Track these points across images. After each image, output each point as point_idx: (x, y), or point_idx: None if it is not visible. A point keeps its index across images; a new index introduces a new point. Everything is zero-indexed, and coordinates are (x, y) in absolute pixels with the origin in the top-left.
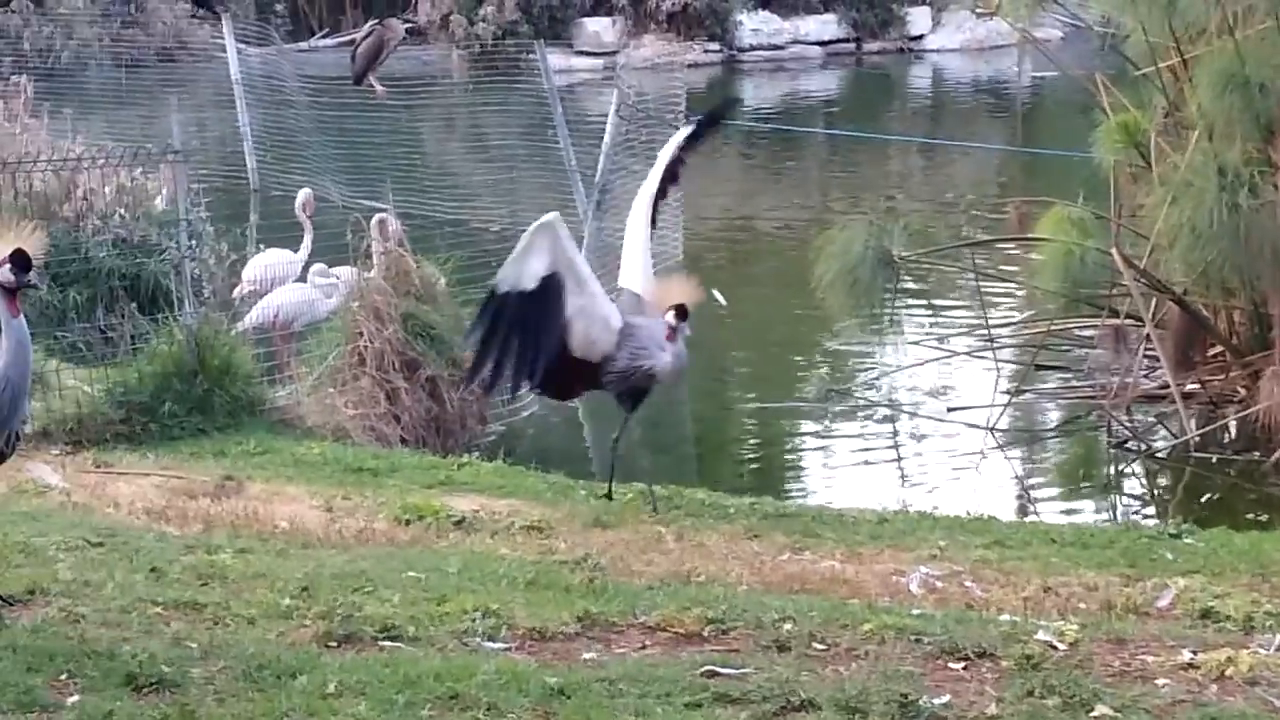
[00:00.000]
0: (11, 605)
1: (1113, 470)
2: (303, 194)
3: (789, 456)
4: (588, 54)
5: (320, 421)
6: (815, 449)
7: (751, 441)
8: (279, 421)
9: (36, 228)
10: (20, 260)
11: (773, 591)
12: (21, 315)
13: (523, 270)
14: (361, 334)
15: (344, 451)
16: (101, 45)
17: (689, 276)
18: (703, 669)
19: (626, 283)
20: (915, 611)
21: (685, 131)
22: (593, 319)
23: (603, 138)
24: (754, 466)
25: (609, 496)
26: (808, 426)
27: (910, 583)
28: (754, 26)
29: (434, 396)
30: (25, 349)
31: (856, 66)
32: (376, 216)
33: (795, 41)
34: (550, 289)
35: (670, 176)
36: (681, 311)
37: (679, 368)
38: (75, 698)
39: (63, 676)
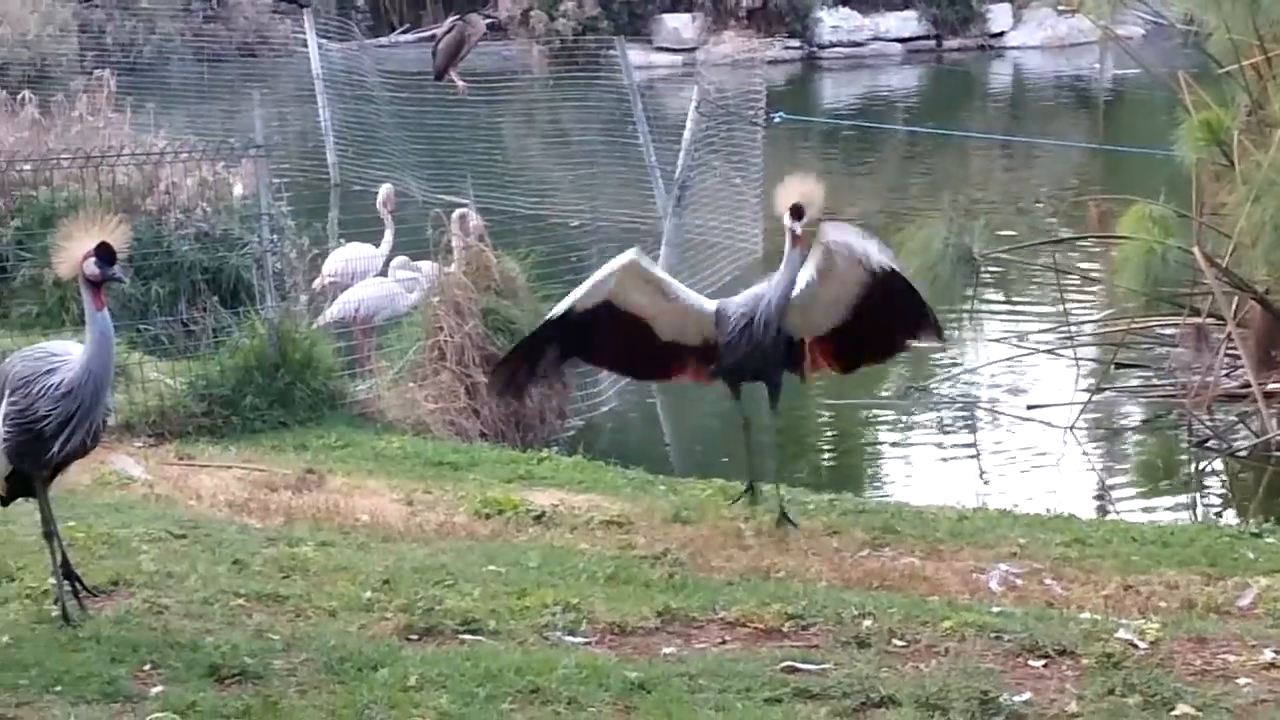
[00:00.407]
0: (95, 596)
1: (1193, 469)
2: (384, 189)
3: (867, 453)
4: (667, 50)
5: (400, 415)
6: (893, 446)
7: (830, 438)
8: (359, 415)
9: (121, 222)
10: (105, 254)
11: (852, 588)
12: (106, 309)
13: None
14: (442, 329)
15: (424, 445)
16: (183, 40)
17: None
18: (782, 664)
19: None
20: (995, 609)
21: None
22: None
23: (682, 134)
24: (832, 463)
25: (751, 493)
26: (886, 423)
27: (990, 580)
28: (834, 23)
29: None
30: (108, 342)
31: (936, 64)
32: (457, 211)
33: (875, 38)
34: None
35: None
36: (796, 211)
37: (785, 282)
38: (159, 688)
39: (146, 667)
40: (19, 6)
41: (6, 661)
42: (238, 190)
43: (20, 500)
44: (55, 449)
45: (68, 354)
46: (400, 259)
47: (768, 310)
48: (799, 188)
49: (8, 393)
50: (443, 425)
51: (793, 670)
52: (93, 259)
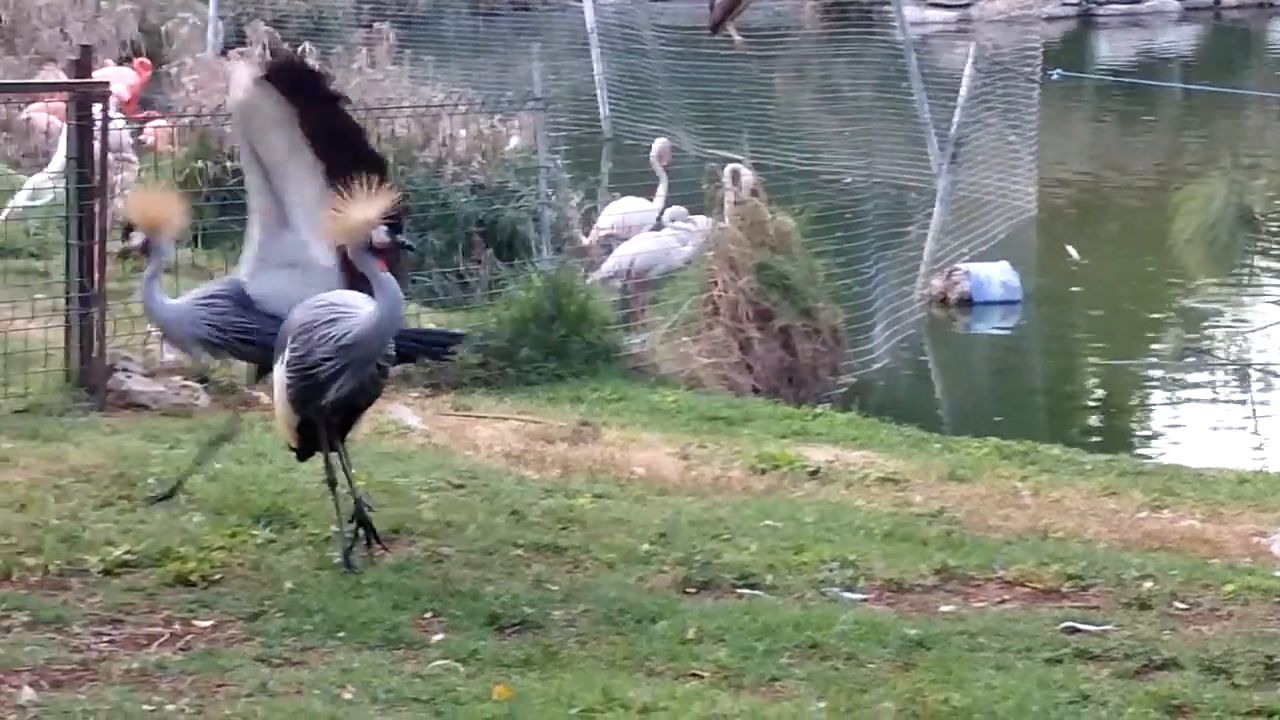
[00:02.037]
0: (385, 549)
1: None
2: (659, 143)
3: (1140, 414)
4: (941, 6)
5: (674, 369)
6: (1167, 407)
7: (1102, 398)
8: (633, 369)
9: (391, 188)
10: (395, 223)
11: (1131, 549)
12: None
13: None
14: (716, 283)
15: (698, 400)
16: None
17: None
18: (1063, 625)
19: None
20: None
21: None
22: None
23: (955, 91)
24: (1104, 423)
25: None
26: (1159, 384)
27: (1273, 544)
28: None
29: (787, 347)
30: (399, 304)
31: (1215, 21)
32: (729, 166)
33: None
34: None
35: None
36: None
37: None
38: (440, 636)
39: (427, 615)
40: None
41: (291, 607)
42: (513, 143)
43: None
44: (334, 393)
45: (351, 305)
46: (676, 209)
47: None
48: None
49: (290, 340)
50: (716, 379)
51: (1073, 631)
52: (383, 227)
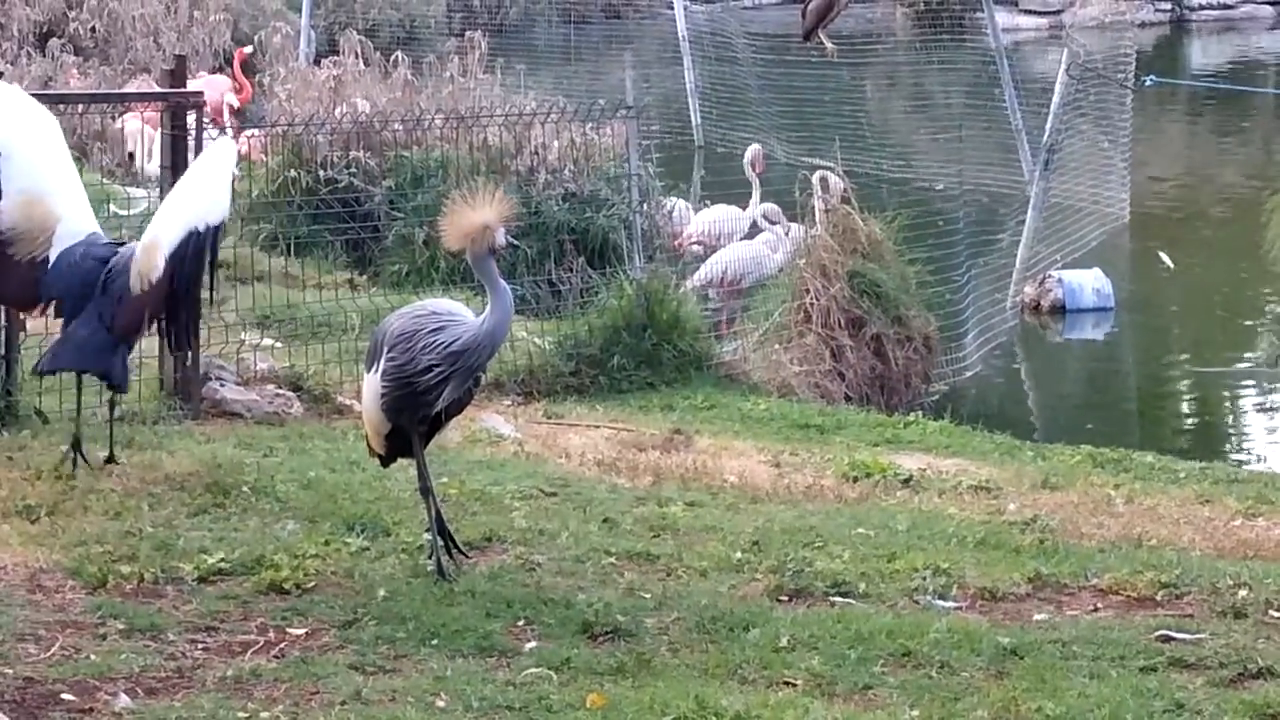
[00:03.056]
0: (468, 556)
1: None
2: (752, 150)
3: (1234, 421)
4: (1033, 13)
5: (765, 377)
6: (1261, 414)
7: (1195, 405)
8: (725, 376)
9: (506, 194)
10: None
11: (1225, 557)
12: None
13: None
14: (808, 291)
15: (790, 407)
16: (550, 1)
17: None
18: (1157, 633)
19: None
20: None
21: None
22: None
23: (1048, 98)
24: (1198, 431)
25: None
26: (1253, 391)
27: None
28: None
29: (878, 354)
30: (511, 310)
31: None
32: (818, 173)
33: (1246, 1)
34: None
35: None
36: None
37: None
38: (532, 643)
39: (520, 622)
40: None
41: (384, 615)
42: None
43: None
44: (437, 402)
45: (454, 314)
46: (769, 206)
47: None
48: None
49: (385, 349)
50: (808, 387)
51: (1167, 639)
52: (503, 230)
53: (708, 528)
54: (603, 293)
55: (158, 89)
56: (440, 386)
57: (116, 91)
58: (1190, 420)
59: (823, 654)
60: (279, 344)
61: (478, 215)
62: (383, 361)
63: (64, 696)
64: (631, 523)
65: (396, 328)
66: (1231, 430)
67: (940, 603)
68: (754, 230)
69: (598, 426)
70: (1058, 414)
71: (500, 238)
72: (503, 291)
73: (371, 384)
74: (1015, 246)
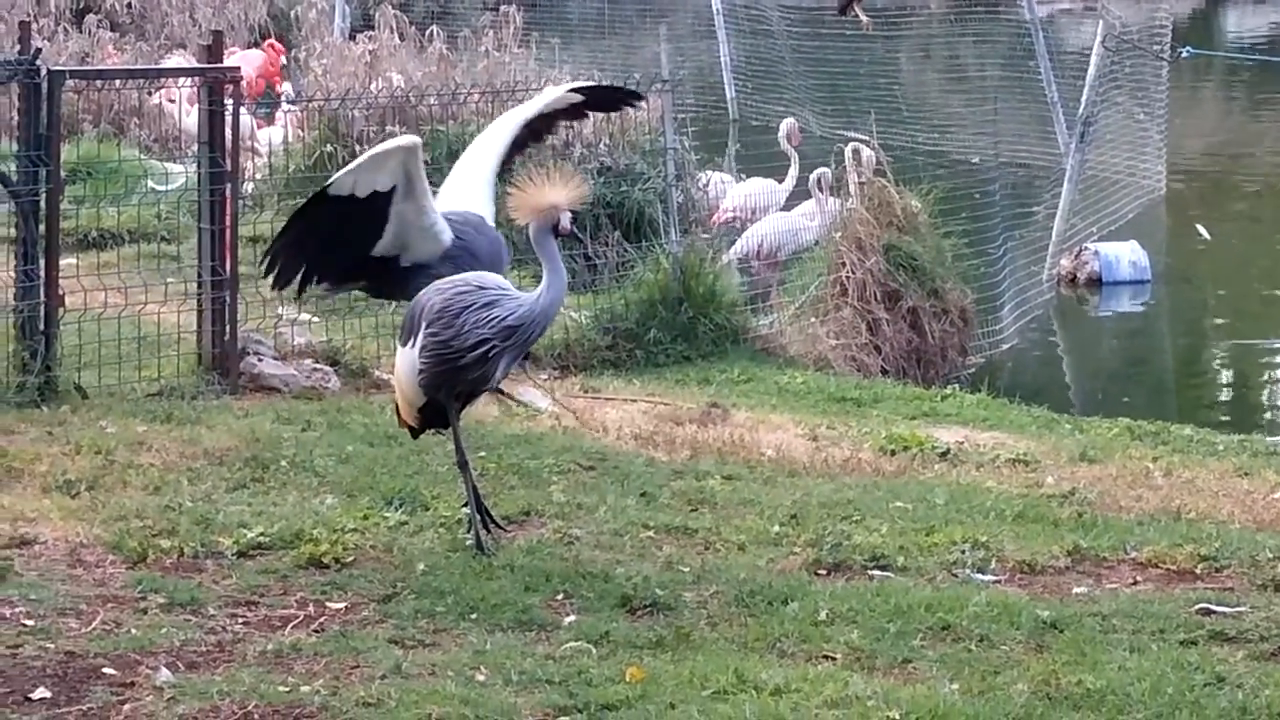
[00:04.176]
0: (505, 530)
1: None
2: (787, 123)
3: (1272, 394)
4: None
5: (802, 351)
6: None
7: (1233, 378)
8: (761, 350)
9: (583, 178)
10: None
11: (1265, 530)
12: None
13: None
14: (844, 264)
15: (826, 381)
16: None
17: None
18: (1197, 606)
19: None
20: None
21: (557, 96)
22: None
23: (1084, 70)
24: (1236, 403)
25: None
26: None
27: None
28: None
29: (915, 328)
30: (565, 287)
31: None
32: (850, 146)
33: None
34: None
35: (534, 135)
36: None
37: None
38: (571, 617)
39: (559, 596)
40: None
41: (423, 589)
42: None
43: (432, 431)
44: (491, 377)
45: (503, 287)
46: (823, 171)
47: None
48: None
49: (424, 324)
50: (844, 361)
51: (1207, 613)
52: (568, 213)
53: (745, 501)
54: (639, 267)
55: (195, 64)
56: (495, 360)
57: (154, 67)
58: (1228, 393)
59: (862, 628)
60: (316, 319)
61: (549, 194)
62: (421, 336)
63: (105, 671)
64: (669, 497)
65: (437, 302)
66: (1270, 403)
67: (979, 576)
68: (791, 203)
69: (634, 400)
70: (1095, 387)
71: (565, 221)
72: (559, 270)
73: (408, 358)
74: (1051, 219)
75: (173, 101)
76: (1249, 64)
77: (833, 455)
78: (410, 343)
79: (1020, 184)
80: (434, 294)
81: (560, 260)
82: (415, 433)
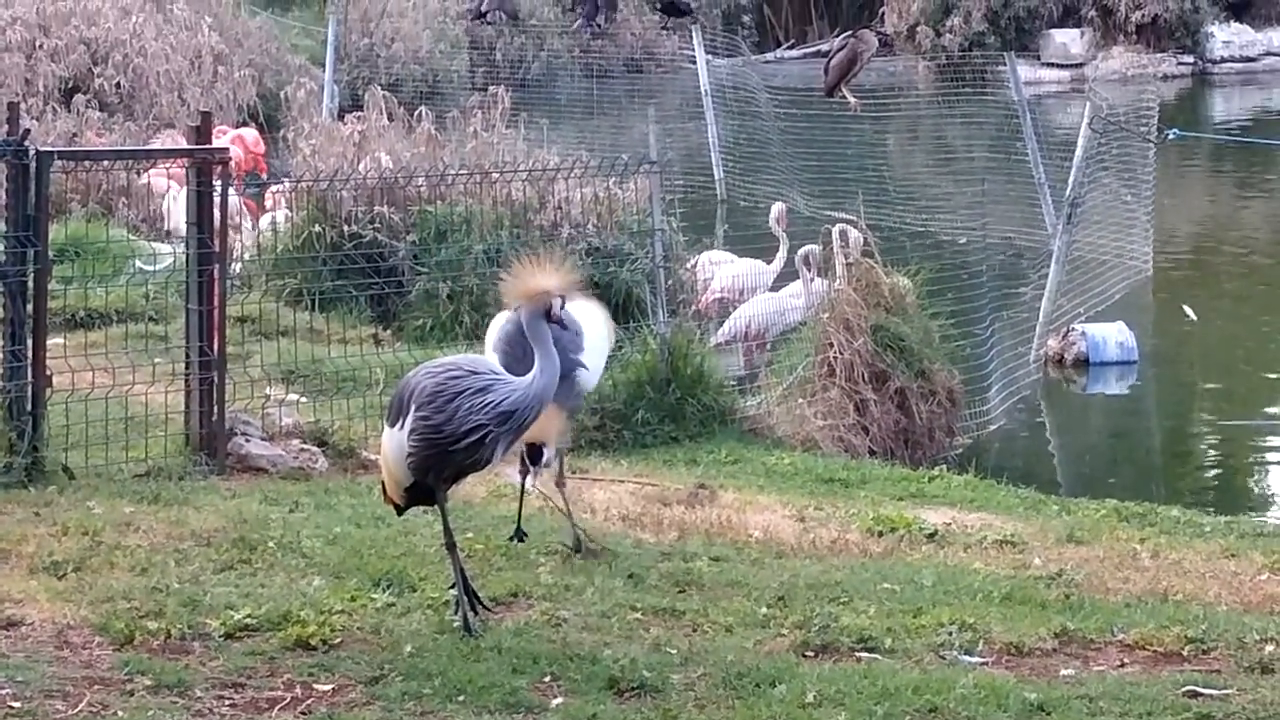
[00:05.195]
0: (492, 611)
1: None
2: (776, 208)
3: (1259, 476)
4: (1055, 66)
5: (789, 432)
6: None
7: (1220, 459)
8: (749, 431)
9: (573, 265)
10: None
11: (1252, 612)
12: None
13: None
14: (831, 345)
15: (814, 462)
16: (572, 56)
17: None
18: (1184, 689)
19: None
20: None
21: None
22: None
23: (1070, 151)
24: (1223, 485)
25: None
26: (1277, 445)
27: None
28: (1225, 38)
29: (902, 408)
30: (558, 372)
31: None
32: (838, 226)
33: (1269, 53)
34: None
35: None
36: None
37: None
38: (559, 700)
39: (546, 678)
40: (411, 24)
41: (410, 670)
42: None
43: (419, 511)
44: (486, 462)
45: (496, 373)
46: (812, 248)
47: None
48: None
49: (414, 408)
50: (832, 441)
51: (1195, 695)
52: (560, 299)
53: (733, 583)
54: (626, 347)
55: (184, 145)
56: (491, 446)
57: (142, 148)
58: (1215, 474)
59: (849, 710)
60: (304, 399)
61: (541, 280)
62: (411, 419)
63: None
64: (657, 578)
65: (428, 386)
66: (1257, 484)
67: (966, 658)
68: (779, 284)
69: (622, 481)
70: (1082, 468)
71: (557, 306)
72: (552, 355)
73: (396, 440)
74: (1038, 300)
75: (165, 192)
76: (1235, 145)
77: (820, 536)
78: (399, 424)
79: (1007, 264)
80: (424, 376)
81: (553, 345)
82: (400, 510)
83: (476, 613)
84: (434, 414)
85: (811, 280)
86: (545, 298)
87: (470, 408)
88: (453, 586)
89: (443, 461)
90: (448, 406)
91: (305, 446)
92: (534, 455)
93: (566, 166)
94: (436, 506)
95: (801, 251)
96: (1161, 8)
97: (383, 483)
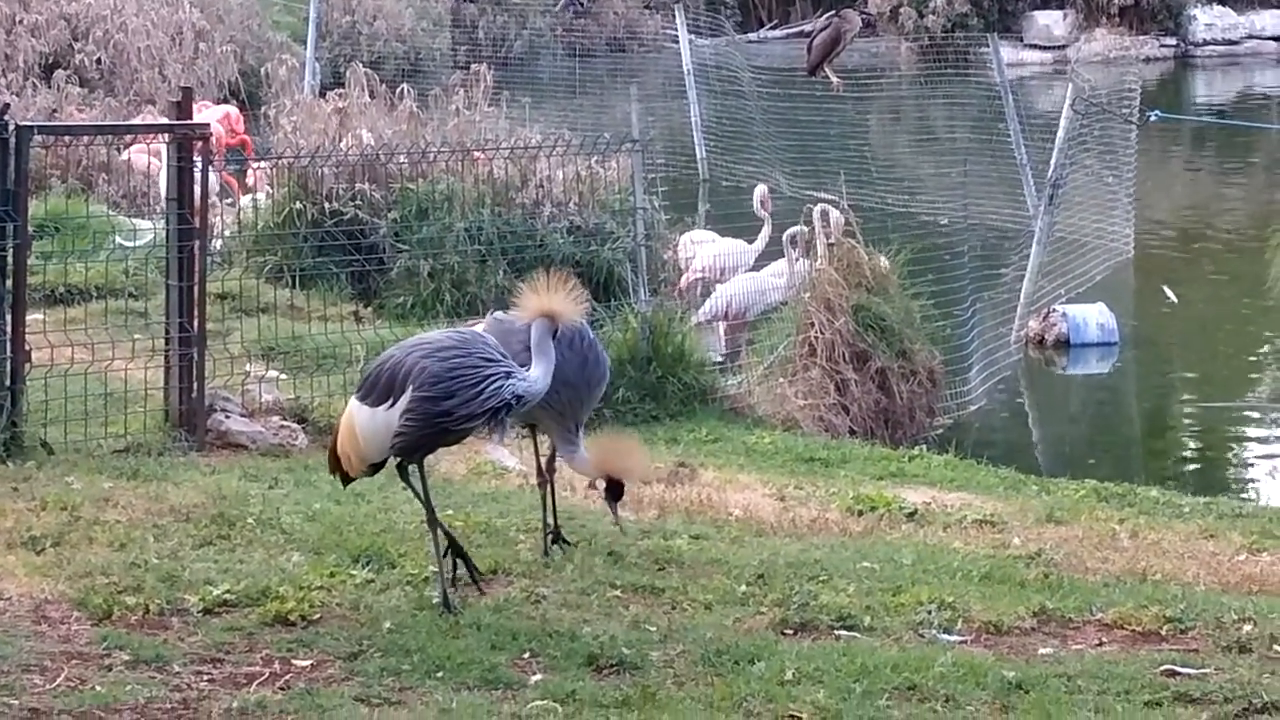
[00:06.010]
0: (480, 590)
1: None
2: (759, 190)
3: (1237, 456)
4: (1037, 47)
5: (770, 411)
6: (1265, 449)
7: (1199, 440)
8: (729, 410)
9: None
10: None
11: (1230, 592)
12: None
13: None
14: (813, 325)
15: (794, 441)
16: (554, 35)
17: None
18: (1162, 668)
19: None
20: None
21: None
22: None
23: (1052, 132)
24: (1202, 465)
25: None
26: (1256, 426)
27: None
28: (1208, 21)
29: (883, 388)
30: (551, 371)
31: None
32: (819, 207)
33: (1250, 36)
34: None
35: None
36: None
37: None
38: (537, 676)
39: (525, 655)
40: (394, 2)
41: (390, 647)
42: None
43: (400, 488)
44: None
45: (500, 355)
46: (798, 228)
47: None
48: None
49: (412, 388)
50: (812, 421)
51: (1172, 674)
52: (557, 325)
53: (712, 561)
54: (607, 326)
55: (164, 120)
56: (477, 424)
57: (122, 123)
58: (1194, 455)
59: (828, 687)
60: (284, 376)
61: (555, 303)
62: (408, 399)
63: None
64: (637, 556)
65: (431, 369)
66: (1235, 465)
67: (945, 636)
68: (761, 263)
69: None
70: (1062, 448)
71: (562, 328)
72: (552, 364)
73: (383, 418)
74: (1019, 281)
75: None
76: (1217, 128)
77: (800, 515)
78: (388, 403)
79: (989, 245)
80: (422, 358)
81: (553, 352)
82: (348, 481)
83: (476, 583)
84: (441, 395)
85: (797, 260)
86: (556, 318)
87: (482, 391)
88: (434, 562)
89: (435, 441)
90: (458, 390)
91: (285, 423)
92: (617, 492)
93: (548, 145)
94: (411, 483)
95: (789, 232)
96: None
97: (333, 454)
